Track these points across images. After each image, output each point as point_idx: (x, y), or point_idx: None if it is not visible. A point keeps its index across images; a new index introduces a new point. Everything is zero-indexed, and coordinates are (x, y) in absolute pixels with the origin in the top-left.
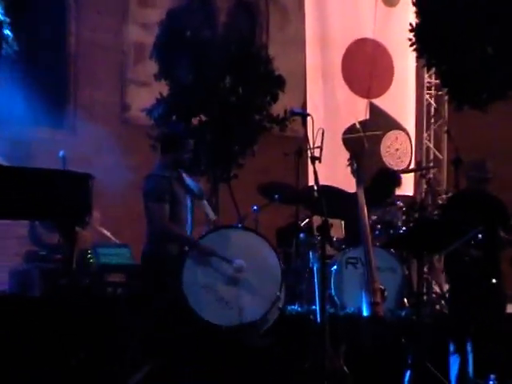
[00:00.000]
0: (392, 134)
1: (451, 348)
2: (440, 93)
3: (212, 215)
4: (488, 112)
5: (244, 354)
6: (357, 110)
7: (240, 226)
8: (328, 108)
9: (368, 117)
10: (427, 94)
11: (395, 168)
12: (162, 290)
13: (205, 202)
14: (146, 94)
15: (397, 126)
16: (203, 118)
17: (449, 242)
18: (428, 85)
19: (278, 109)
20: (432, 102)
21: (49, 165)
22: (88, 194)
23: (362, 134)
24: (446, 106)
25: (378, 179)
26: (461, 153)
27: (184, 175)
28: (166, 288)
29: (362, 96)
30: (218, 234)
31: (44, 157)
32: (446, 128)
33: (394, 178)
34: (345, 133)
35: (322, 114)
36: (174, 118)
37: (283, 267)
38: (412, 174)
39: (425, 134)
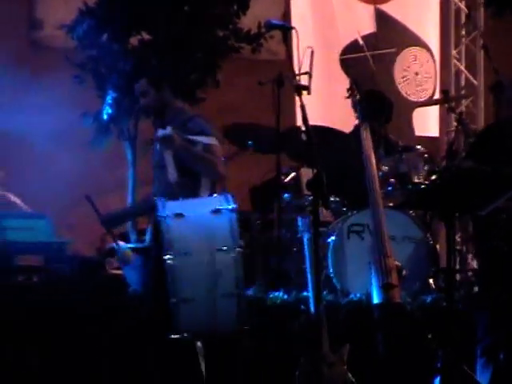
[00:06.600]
0: (409, 53)
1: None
2: None
3: (172, 176)
4: None
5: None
6: (359, 21)
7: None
8: (319, 19)
9: (375, 29)
10: None
11: (414, 99)
12: None
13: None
14: (63, 4)
15: (415, 40)
16: (145, 36)
17: (491, 199)
18: None
19: (248, 21)
20: (462, 5)
21: None
22: None
23: (366, 53)
24: (482, 12)
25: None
26: (503, 76)
27: None
28: None
29: (366, 1)
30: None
31: None
32: (481, 42)
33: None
34: (343, 52)
35: (311, 28)
36: (104, 36)
37: None
38: (436, 108)
39: (453, 52)
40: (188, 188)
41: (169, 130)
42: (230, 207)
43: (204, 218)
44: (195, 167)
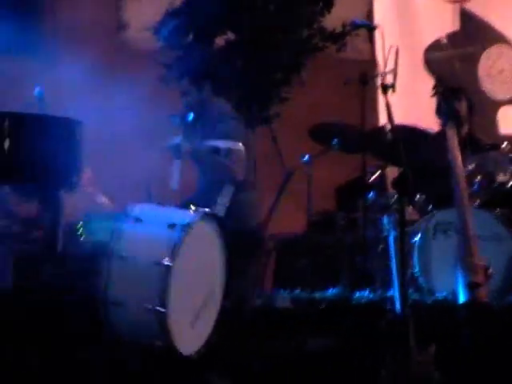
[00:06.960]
0: (494, 50)
1: None
2: None
3: (174, 184)
4: None
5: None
6: (443, 19)
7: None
8: (402, 17)
9: (459, 27)
10: None
11: (500, 97)
12: None
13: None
14: (149, 6)
15: (500, 38)
16: (231, 36)
17: None
18: None
19: (333, 21)
20: None
21: (20, 106)
22: (76, 145)
23: (451, 52)
24: None
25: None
26: None
27: None
28: None
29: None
30: None
31: (14, 94)
32: None
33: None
34: (427, 51)
35: (396, 27)
36: (190, 37)
37: None
38: None
39: None
40: (212, 194)
41: (178, 139)
42: (185, 224)
43: (158, 228)
44: (211, 173)
